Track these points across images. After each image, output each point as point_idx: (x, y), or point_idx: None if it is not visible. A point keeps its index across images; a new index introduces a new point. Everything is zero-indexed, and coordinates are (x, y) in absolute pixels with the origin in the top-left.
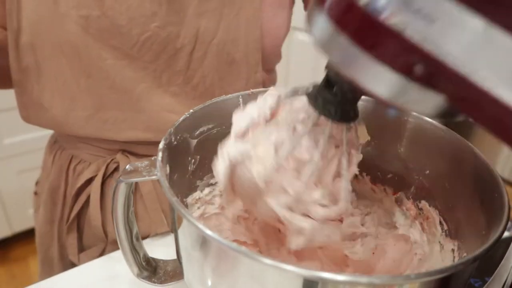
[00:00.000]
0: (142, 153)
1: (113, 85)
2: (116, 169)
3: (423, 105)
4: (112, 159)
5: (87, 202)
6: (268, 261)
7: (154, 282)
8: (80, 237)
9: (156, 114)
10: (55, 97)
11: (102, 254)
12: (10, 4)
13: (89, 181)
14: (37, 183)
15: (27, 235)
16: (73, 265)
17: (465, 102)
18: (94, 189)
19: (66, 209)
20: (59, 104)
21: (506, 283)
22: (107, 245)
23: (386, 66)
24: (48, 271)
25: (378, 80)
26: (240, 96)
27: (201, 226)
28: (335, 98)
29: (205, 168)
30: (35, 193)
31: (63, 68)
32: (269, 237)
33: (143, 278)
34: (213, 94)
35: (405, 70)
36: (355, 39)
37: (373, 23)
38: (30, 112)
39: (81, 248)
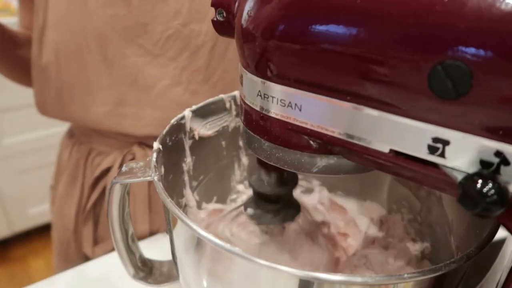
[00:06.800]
0: None
1: (134, 82)
2: (133, 159)
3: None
4: (129, 151)
5: (103, 193)
6: (262, 261)
7: (150, 283)
8: (95, 230)
9: (173, 111)
10: (75, 93)
11: None
12: (39, 3)
13: (106, 171)
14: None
15: (27, 235)
16: (87, 258)
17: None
18: (111, 179)
19: (83, 200)
20: (79, 100)
21: (500, 282)
22: None
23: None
24: (64, 264)
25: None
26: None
27: (195, 227)
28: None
29: (200, 169)
30: (51, 187)
31: (86, 65)
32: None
33: (139, 279)
34: (233, 89)
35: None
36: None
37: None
38: (48, 107)
39: (96, 241)
